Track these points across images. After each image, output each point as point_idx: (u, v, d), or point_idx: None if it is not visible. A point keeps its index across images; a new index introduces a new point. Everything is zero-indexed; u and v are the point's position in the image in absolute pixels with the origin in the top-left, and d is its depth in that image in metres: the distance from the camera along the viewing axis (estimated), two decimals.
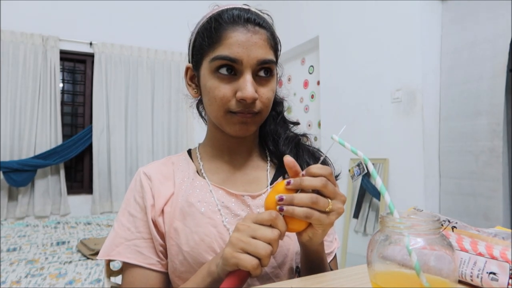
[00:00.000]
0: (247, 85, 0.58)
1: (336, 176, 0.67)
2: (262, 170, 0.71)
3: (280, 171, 0.71)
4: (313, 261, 0.57)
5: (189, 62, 0.69)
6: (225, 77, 0.59)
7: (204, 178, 0.67)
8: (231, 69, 0.59)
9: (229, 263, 0.47)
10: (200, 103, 0.74)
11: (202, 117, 0.76)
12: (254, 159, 0.72)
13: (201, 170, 0.68)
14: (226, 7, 0.63)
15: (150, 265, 0.61)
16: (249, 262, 0.45)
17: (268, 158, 0.73)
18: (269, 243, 0.46)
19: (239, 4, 0.65)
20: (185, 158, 0.71)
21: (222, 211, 0.63)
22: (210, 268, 0.52)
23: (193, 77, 0.68)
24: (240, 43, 0.58)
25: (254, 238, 0.47)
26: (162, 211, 0.63)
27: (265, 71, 0.61)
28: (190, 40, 0.68)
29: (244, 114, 0.60)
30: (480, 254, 0.45)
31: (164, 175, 0.67)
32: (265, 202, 0.50)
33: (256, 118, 0.62)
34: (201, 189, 0.65)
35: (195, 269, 0.59)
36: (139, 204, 0.64)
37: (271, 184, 0.68)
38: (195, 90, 0.68)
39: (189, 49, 0.68)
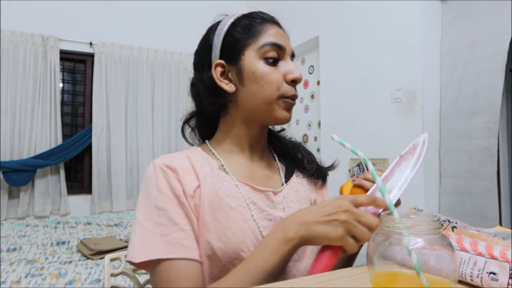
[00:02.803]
0: (295, 68, 0.66)
1: (331, 167, 0.78)
2: (275, 168, 0.74)
3: (289, 170, 0.75)
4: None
5: (213, 61, 0.67)
6: (272, 63, 0.65)
7: (227, 173, 0.66)
8: (275, 55, 0.65)
9: (337, 242, 0.51)
10: (188, 120, 0.74)
11: (185, 138, 0.75)
12: (267, 157, 0.75)
13: (222, 165, 0.67)
14: (246, 12, 0.70)
15: (194, 256, 0.57)
16: (354, 247, 0.51)
17: (276, 157, 0.76)
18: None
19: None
20: (200, 154, 0.68)
21: (250, 206, 0.63)
22: (287, 235, 0.53)
23: (223, 73, 0.67)
24: (281, 35, 0.67)
25: (359, 222, 0.51)
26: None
27: None
28: (213, 41, 0.67)
29: (293, 101, 0.67)
30: (480, 254, 0.45)
31: (184, 168, 0.63)
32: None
33: (294, 104, 0.69)
34: (228, 184, 0.64)
35: (223, 264, 0.58)
36: (168, 196, 0.59)
37: (285, 180, 0.72)
38: (229, 85, 0.66)
39: (212, 48, 0.67)
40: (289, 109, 0.67)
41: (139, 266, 0.59)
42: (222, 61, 0.66)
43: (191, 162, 0.65)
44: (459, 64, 1.97)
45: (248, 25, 0.65)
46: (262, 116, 0.66)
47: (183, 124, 0.74)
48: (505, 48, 1.74)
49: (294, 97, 0.67)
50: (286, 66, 0.66)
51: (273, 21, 0.68)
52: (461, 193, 1.91)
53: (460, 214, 1.90)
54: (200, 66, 0.70)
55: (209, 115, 0.73)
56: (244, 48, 0.65)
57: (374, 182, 0.60)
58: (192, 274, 0.56)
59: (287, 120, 0.67)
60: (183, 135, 0.75)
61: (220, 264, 0.59)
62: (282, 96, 0.65)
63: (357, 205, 0.53)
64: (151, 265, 0.57)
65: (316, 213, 0.53)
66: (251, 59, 0.64)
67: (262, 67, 0.64)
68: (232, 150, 0.69)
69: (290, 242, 0.53)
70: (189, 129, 0.75)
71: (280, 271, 0.54)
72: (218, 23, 0.69)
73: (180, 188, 0.60)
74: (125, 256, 0.64)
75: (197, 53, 0.71)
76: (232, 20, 0.67)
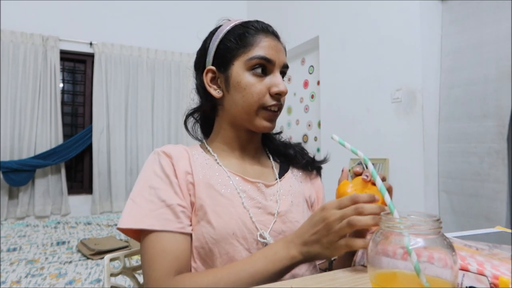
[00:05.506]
0: (281, 81, 0.68)
1: (324, 161, 0.81)
2: (269, 166, 0.77)
3: (284, 167, 0.78)
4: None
5: (206, 65, 0.71)
6: (259, 75, 0.67)
7: (220, 166, 0.70)
8: (263, 68, 0.67)
9: (336, 254, 0.53)
10: (191, 115, 0.78)
11: (187, 130, 0.79)
12: (260, 157, 0.78)
13: (216, 160, 0.71)
14: (245, 19, 0.72)
15: (180, 229, 0.61)
16: (357, 245, 0.51)
17: (271, 157, 0.80)
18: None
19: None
20: (197, 150, 0.73)
21: (240, 194, 0.66)
22: (290, 254, 0.56)
23: (213, 78, 0.71)
24: (273, 47, 0.68)
25: (360, 214, 0.51)
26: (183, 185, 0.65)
27: (283, 74, 0.71)
28: (209, 46, 0.71)
29: (275, 113, 0.69)
30: (463, 268, 0.44)
31: (179, 155, 0.68)
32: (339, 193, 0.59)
33: (277, 115, 0.71)
34: (219, 173, 0.68)
35: (209, 247, 0.62)
36: (160, 177, 0.64)
37: (279, 177, 0.75)
38: (217, 90, 0.71)
39: (207, 53, 0.72)
40: (271, 119, 0.69)
41: (128, 233, 0.64)
42: (213, 68, 0.70)
43: (188, 152, 0.70)
44: (460, 66, 1.96)
45: (241, 35, 0.68)
46: (244, 122, 0.70)
47: (186, 117, 0.78)
48: (510, 50, 1.73)
49: (276, 107, 0.68)
50: (273, 79, 0.68)
51: (268, 31, 0.69)
52: (467, 195, 1.90)
53: (464, 216, 1.90)
54: (197, 67, 0.75)
55: (207, 113, 0.77)
56: (234, 58, 0.68)
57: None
58: (177, 246, 0.60)
59: (267, 130, 0.70)
60: (186, 127, 0.79)
61: (205, 247, 0.62)
62: (263, 107, 0.67)
63: (341, 208, 0.53)
64: (141, 237, 0.61)
65: (307, 233, 0.55)
66: (239, 70, 0.67)
67: (247, 78, 0.67)
68: (223, 149, 0.73)
69: (294, 259, 0.56)
70: (192, 122, 0.79)
71: (272, 280, 0.55)
72: (217, 28, 0.72)
73: (172, 170, 0.64)
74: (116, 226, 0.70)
75: (197, 54, 0.75)
76: (228, 28, 0.69)
